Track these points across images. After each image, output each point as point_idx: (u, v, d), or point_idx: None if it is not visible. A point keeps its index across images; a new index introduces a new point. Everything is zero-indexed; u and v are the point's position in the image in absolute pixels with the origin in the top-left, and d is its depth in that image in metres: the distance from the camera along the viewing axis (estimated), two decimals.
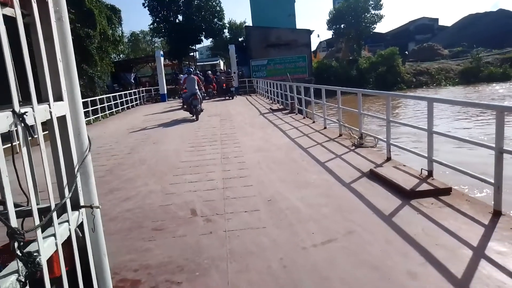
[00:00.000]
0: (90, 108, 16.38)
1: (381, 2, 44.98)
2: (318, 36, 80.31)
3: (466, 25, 63.79)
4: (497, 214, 3.70)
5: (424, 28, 68.15)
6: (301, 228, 3.79)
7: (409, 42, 62.80)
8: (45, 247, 1.29)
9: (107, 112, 19.07)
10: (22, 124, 1.18)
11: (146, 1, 40.74)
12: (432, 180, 4.79)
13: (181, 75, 19.29)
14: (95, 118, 17.38)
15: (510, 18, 59.49)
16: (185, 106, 15.17)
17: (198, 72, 24.17)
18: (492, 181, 3.78)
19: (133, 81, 32.91)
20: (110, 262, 1.97)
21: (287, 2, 44.07)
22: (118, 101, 20.99)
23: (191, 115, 14.25)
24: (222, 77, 25.24)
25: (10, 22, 1.27)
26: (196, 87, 14.20)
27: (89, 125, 15.33)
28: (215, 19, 42.87)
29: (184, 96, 15.54)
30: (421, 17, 71.46)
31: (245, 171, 6.17)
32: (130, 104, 23.38)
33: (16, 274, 1.09)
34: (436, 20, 71.91)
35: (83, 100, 13.13)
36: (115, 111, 20.29)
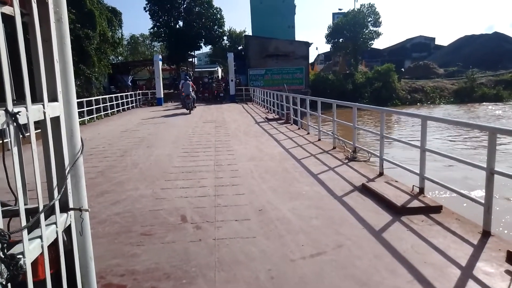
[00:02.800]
0: (85, 109, 16.28)
1: (380, 20, 45.68)
2: (317, 48, 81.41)
3: (462, 46, 64.85)
4: (486, 234, 3.73)
5: (420, 46, 69.20)
6: (291, 240, 3.78)
7: (405, 59, 63.63)
8: (31, 249, 1.27)
9: (102, 113, 18.97)
10: (15, 124, 1.17)
11: (148, 5, 40.93)
12: (423, 197, 4.81)
13: (182, 80, 22.96)
14: (89, 118, 17.28)
15: (504, 41, 60.69)
16: (183, 104, 20.12)
17: (192, 78, 27.89)
18: (483, 201, 3.81)
19: (130, 84, 32.98)
20: (96, 266, 1.94)
21: (288, 13, 44.65)
22: (114, 102, 20.91)
23: (187, 110, 19.13)
24: (214, 84, 28.62)
25: (8, 20, 1.26)
26: (190, 90, 19.17)
27: (83, 126, 15.24)
28: (215, 27, 43.11)
29: (181, 96, 20.82)
30: (418, 35, 72.61)
31: (237, 179, 6.16)
32: (126, 106, 23.31)
33: None
34: (433, 39, 73.07)
35: (79, 100, 13.09)
36: (110, 112, 20.20)
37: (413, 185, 5.10)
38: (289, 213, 4.53)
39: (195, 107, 20.02)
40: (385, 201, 4.72)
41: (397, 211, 4.41)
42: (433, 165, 10.05)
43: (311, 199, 5.07)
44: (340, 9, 57.34)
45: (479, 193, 3.95)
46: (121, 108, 22.20)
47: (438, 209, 4.45)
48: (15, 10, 1.23)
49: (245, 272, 3.17)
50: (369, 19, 45.50)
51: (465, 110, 35.56)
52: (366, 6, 45.74)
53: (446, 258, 3.29)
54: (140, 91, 28.64)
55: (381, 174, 6.21)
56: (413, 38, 71.66)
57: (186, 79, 21.08)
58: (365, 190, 5.32)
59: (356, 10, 46.18)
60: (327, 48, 61.67)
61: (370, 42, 46.87)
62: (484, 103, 39.25)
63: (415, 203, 4.55)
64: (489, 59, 54.21)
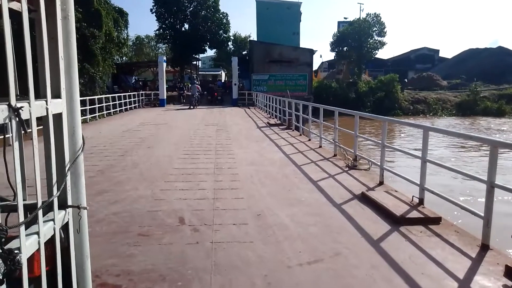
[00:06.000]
0: (88, 107, 16.32)
1: (385, 30, 45.79)
2: (321, 56, 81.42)
3: (466, 59, 64.90)
4: (485, 247, 3.71)
5: (424, 58, 69.32)
6: (288, 246, 3.76)
7: (409, 70, 63.72)
8: (27, 245, 1.26)
9: (105, 112, 19.01)
10: (17, 119, 1.17)
11: (154, 7, 41.16)
12: (423, 208, 4.79)
13: (190, 84, 30.05)
14: (92, 117, 17.31)
15: (508, 56, 60.71)
16: (188, 101, 25.93)
17: (199, 82, 33.68)
18: (482, 214, 3.79)
19: (134, 84, 33.64)
20: (92, 265, 1.94)
21: (293, 20, 44.81)
22: (117, 102, 20.96)
23: (192, 107, 24.47)
24: (215, 88, 31.89)
25: (15, 16, 1.27)
26: (196, 92, 25.50)
27: (85, 124, 15.26)
28: (221, 31, 43.34)
29: (188, 96, 27.14)
30: (423, 47, 72.80)
31: (237, 183, 6.15)
32: (128, 106, 23.36)
33: None
34: (437, 51, 73.22)
35: (82, 98, 13.11)
36: (113, 112, 20.24)
37: (413, 196, 5.09)
38: (288, 219, 4.51)
39: (197, 105, 25.60)
40: (384, 211, 4.70)
41: (396, 221, 4.40)
42: (434, 169, 10.02)
43: (310, 206, 5.06)
44: (345, 18, 57.49)
45: (481, 203, 3.92)
46: (123, 108, 22.25)
47: (437, 220, 4.43)
48: (23, 6, 1.24)
49: (241, 277, 3.16)
50: (374, 29, 45.62)
51: (471, 122, 35.41)
52: (372, 15, 45.91)
53: (444, 270, 3.27)
54: (144, 92, 28.74)
55: (381, 183, 6.20)
56: (418, 50, 71.83)
57: (194, 82, 28.44)
58: (364, 199, 5.31)
59: (361, 19, 46.33)
60: (331, 56, 61.84)
61: (374, 52, 46.96)
62: (485, 117, 39.14)
63: (414, 214, 4.53)
64: (493, 73, 54.21)
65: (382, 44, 46.20)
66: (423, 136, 5.07)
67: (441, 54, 73.07)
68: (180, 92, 30.15)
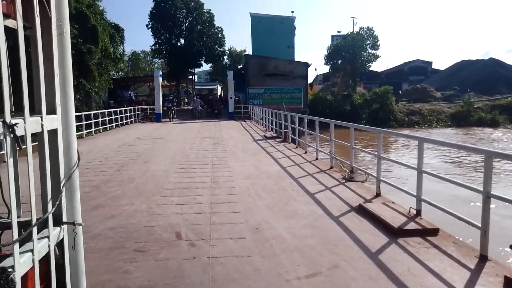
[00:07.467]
0: (83, 122, 16.30)
1: (378, 43, 46.42)
2: (316, 69, 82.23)
3: (458, 70, 65.75)
4: (483, 258, 3.69)
5: (418, 70, 70.14)
6: (286, 259, 3.73)
7: (403, 82, 64.37)
8: (21, 263, 1.25)
9: (101, 127, 18.98)
10: (12, 135, 1.17)
11: (150, 23, 41.59)
12: (420, 219, 4.79)
13: (191, 98, 36.92)
14: (87, 132, 17.27)
15: (500, 67, 61.64)
16: (193, 112, 29.61)
17: (199, 97, 38.12)
18: (479, 224, 3.79)
19: (133, 97, 33.94)
20: (88, 281, 1.91)
21: (287, 34, 45.34)
22: (113, 117, 20.94)
23: (196, 117, 27.94)
24: (213, 102, 33.24)
25: (11, 33, 1.28)
26: (198, 105, 29.68)
27: (81, 139, 15.22)
28: (216, 45, 43.79)
29: (192, 108, 31.01)
30: (416, 59, 73.71)
31: (233, 197, 6.12)
32: (124, 121, 23.35)
33: None
34: (430, 63, 74.17)
35: (77, 113, 13.12)
36: (109, 127, 20.21)
37: (410, 207, 5.08)
38: (285, 232, 4.48)
39: (201, 116, 28.93)
40: (382, 223, 4.69)
41: (394, 233, 4.38)
42: (430, 178, 10.03)
43: (307, 218, 5.04)
44: (339, 32, 58.15)
45: (478, 212, 3.92)
46: (119, 122, 22.23)
47: (435, 231, 4.42)
48: (18, 24, 1.25)
49: None
50: (367, 42, 46.24)
51: (469, 134, 35.61)
52: (365, 29, 46.59)
53: (443, 282, 3.25)
54: (139, 106, 28.77)
55: (378, 195, 6.20)
56: (411, 62, 72.72)
57: (197, 97, 36.23)
58: (361, 210, 5.29)
59: (355, 33, 46.98)
60: (326, 69, 62.41)
61: (368, 64, 47.49)
62: (480, 127, 39.49)
63: (412, 225, 4.52)
64: (485, 84, 54.92)
65: (376, 57, 46.76)
66: (418, 147, 5.09)
67: (434, 66, 74.06)
68: (169, 106, 27.43)
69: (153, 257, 3.83)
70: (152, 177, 7.79)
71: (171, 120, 26.62)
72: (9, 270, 1.11)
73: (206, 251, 3.95)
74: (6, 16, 1.25)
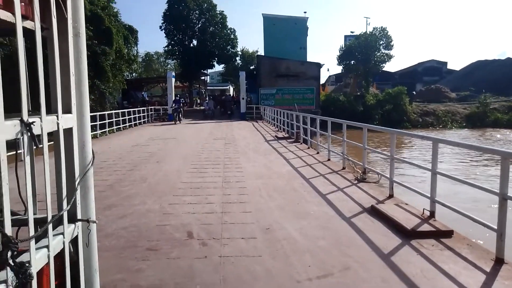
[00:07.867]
0: (98, 122, 16.53)
1: (392, 43, 45.91)
2: (328, 70, 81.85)
3: (474, 70, 64.59)
4: (499, 261, 3.62)
5: (432, 70, 69.13)
6: (297, 260, 3.72)
7: (416, 82, 63.55)
8: (37, 258, 1.27)
9: (115, 127, 19.23)
10: (29, 134, 1.20)
11: (163, 25, 42.00)
12: (434, 221, 4.72)
13: (205, 102, 34.87)
14: (102, 132, 17.52)
15: None
16: (205, 113, 30.48)
17: (212, 97, 38.81)
18: (495, 227, 3.72)
19: (146, 98, 34.93)
20: (101, 279, 1.94)
21: (300, 35, 45.17)
22: (127, 117, 21.20)
23: (209, 117, 28.55)
24: (226, 102, 33.77)
25: (28, 34, 1.31)
26: (212, 106, 31.01)
27: (95, 139, 15.44)
28: (228, 47, 43.96)
29: (204, 109, 32.00)
30: (430, 59, 72.68)
31: (245, 197, 6.13)
32: (137, 122, 23.61)
33: (4, 284, 1.07)
34: (445, 63, 73.04)
35: (92, 114, 13.32)
36: (122, 127, 20.47)
37: (424, 209, 5.01)
38: (296, 233, 4.47)
39: (214, 115, 29.92)
40: (395, 224, 4.63)
41: (407, 235, 4.32)
42: (445, 180, 9.86)
43: (318, 219, 5.01)
44: (352, 32, 57.64)
45: (494, 214, 3.84)
46: (133, 123, 22.49)
47: (449, 233, 4.35)
48: (36, 25, 1.28)
49: None
50: (381, 42, 45.77)
51: (484, 135, 34.91)
52: (378, 29, 46.13)
53: (457, 285, 3.19)
54: (152, 107, 29.06)
55: (391, 196, 6.13)
56: (425, 62, 71.73)
57: (210, 98, 36.72)
58: (374, 212, 5.24)
59: (368, 33, 46.56)
60: (338, 69, 61.97)
61: (381, 65, 47.02)
62: (497, 129, 38.66)
63: (426, 227, 4.46)
64: (502, 85, 53.78)
65: (389, 57, 46.28)
66: (433, 148, 5.02)
67: (449, 66, 72.92)
68: (175, 108, 24.74)
69: (165, 256, 3.86)
70: (164, 176, 7.86)
71: (176, 122, 23.87)
72: (27, 265, 1.14)
73: (217, 251, 3.96)
74: (24, 17, 1.29)
